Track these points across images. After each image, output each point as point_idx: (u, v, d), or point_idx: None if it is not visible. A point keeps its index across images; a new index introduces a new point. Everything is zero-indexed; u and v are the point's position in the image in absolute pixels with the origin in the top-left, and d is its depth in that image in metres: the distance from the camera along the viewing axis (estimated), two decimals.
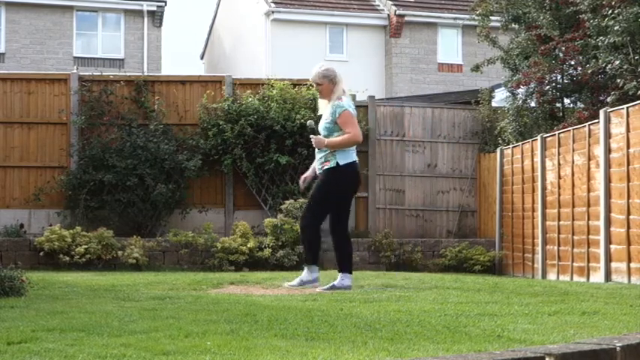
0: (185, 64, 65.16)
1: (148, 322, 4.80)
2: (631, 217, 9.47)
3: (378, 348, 3.87)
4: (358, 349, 3.84)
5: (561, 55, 13.76)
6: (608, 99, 12.42)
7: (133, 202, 13.84)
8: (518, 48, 14.80)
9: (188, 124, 14.76)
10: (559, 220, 11.65)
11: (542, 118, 14.14)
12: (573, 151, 11.28)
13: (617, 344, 3.31)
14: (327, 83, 7.57)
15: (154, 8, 25.97)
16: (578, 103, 13.94)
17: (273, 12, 25.09)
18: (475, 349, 3.86)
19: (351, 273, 7.63)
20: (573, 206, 11.18)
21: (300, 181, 7.99)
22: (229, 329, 4.48)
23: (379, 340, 4.14)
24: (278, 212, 13.64)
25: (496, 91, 16.61)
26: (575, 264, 11.12)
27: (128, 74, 16.39)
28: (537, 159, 12.43)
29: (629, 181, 9.55)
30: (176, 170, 14.08)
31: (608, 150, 10.16)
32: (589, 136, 10.78)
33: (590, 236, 10.61)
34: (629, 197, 9.53)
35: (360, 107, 15.18)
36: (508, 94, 14.88)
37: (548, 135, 12.36)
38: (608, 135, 10.18)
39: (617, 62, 12.16)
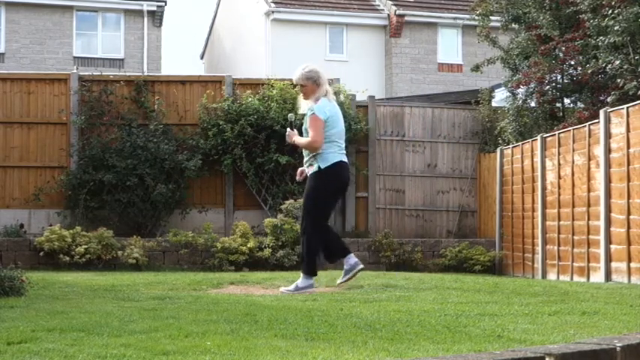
0: (185, 64, 65.13)
1: (148, 322, 4.80)
2: (631, 217, 9.47)
3: (378, 348, 3.88)
4: (358, 349, 3.84)
5: (561, 55, 13.75)
6: (609, 99, 12.42)
7: (132, 202, 13.84)
8: (518, 48, 14.79)
9: (188, 124, 14.76)
10: (559, 220, 11.65)
11: (542, 118, 14.14)
12: (573, 151, 11.27)
13: (617, 344, 3.31)
14: (311, 84, 7.55)
15: (154, 8, 25.95)
16: (578, 103, 13.94)
17: (273, 12, 25.08)
18: (475, 349, 3.86)
19: (310, 275, 7.48)
20: (573, 206, 11.18)
21: (298, 173, 7.98)
22: (229, 329, 4.48)
23: (379, 340, 4.14)
24: (278, 212, 13.64)
25: (496, 91, 16.60)
26: (575, 264, 11.11)
27: (128, 74, 16.37)
28: (537, 159, 12.43)
29: (629, 181, 9.55)
30: (176, 170, 14.08)
31: (608, 150, 10.15)
32: (589, 136, 10.77)
33: (590, 236, 10.60)
34: (629, 197, 9.53)
35: (360, 107, 15.23)
36: (508, 94, 14.89)
37: (548, 135, 12.36)
38: (608, 135, 10.18)
39: (617, 62, 12.16)
